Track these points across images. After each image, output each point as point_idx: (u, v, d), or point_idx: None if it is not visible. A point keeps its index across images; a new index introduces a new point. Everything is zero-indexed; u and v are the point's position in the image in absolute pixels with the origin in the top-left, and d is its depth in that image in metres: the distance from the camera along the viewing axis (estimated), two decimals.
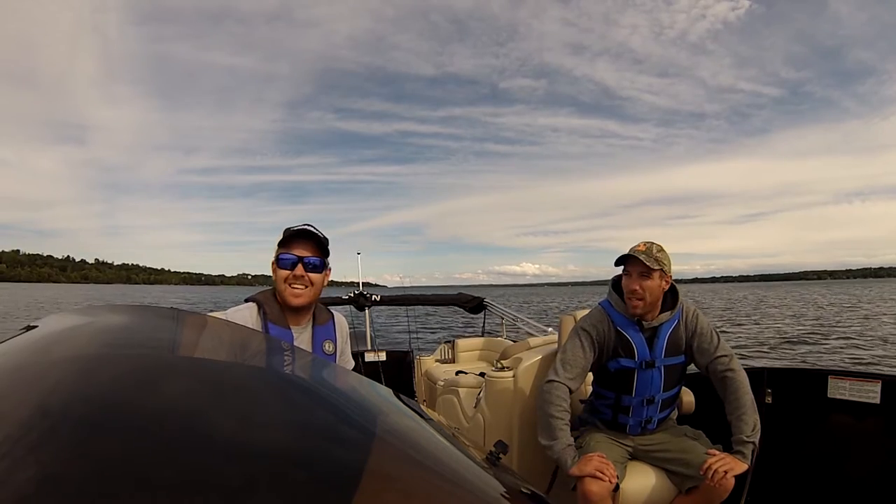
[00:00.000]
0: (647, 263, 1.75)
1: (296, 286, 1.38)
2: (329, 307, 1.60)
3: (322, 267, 1.43)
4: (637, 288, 1.77)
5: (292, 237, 1.40)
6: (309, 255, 1.40)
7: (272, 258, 1.44)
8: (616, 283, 1.94)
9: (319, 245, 1.42)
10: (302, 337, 1.44)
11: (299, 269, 1.38)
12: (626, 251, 1.86)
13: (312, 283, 1.40)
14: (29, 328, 0.71)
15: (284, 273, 1.38)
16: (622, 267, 1.87)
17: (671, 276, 1.82)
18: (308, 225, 1.44)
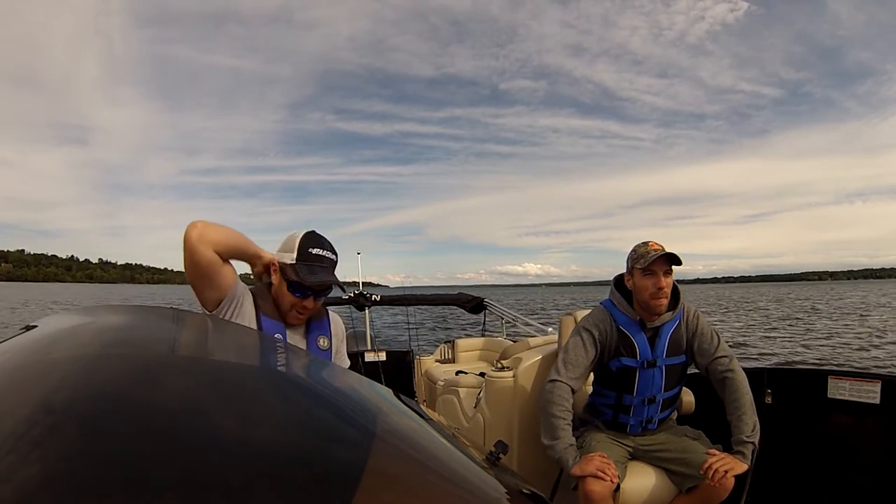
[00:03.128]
0: (676, 258, 1.78)
1: (300, 313, 1.36)
2: (327, 307, 1.59)
3: (325, 295, 1.42)
4: (664, 286, 1.78)
5: (305, 281, 1.32)
6: (322, 290, 1.37)
7: (277, 258, 1.38)
8: (618, 282, 1.94)
9: (333, 282, 1.38)
10: (295, 331, 1.44)
11: (310, 302, 1.35)
12: (628, 251, 1.88)
13: (313, 308, 1.39)
14: (28, 328, 0.71)
15: (291, 299, 1.34)
16: (629, 267, 1.88)
17: None
18: (329, 253, 1.37)
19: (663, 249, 1.78)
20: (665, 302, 1.80)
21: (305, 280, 1.30)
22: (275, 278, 1.38)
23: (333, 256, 1.39)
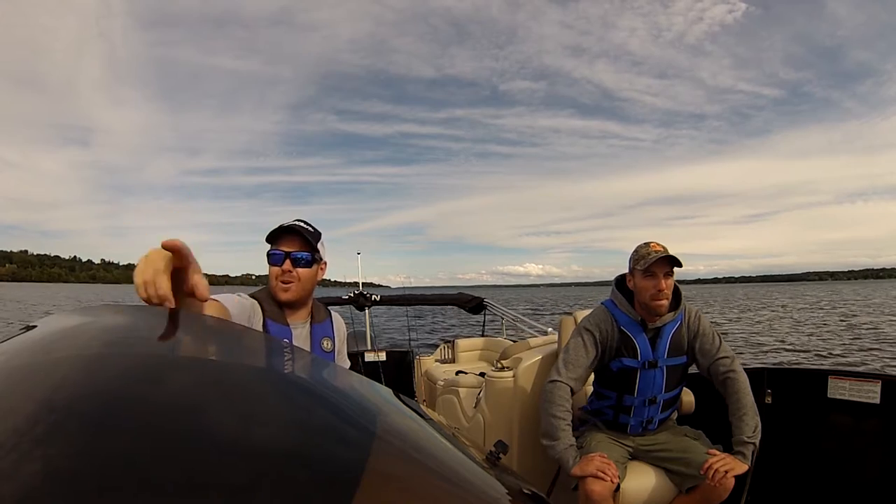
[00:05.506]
0: (676, 260, 1.78)
1: (284, 281, 1.39)
2: (328, 307, 1.60)
3: (311, 262, 1.42)
4: (664, 287, 1.78)
5: (279, 233, 1.41)
6: (295, 249, 1.40)
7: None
8: (620, 282, 1.94)
9: (306, 240, 1.41)
10: (300, 334, 1.44)
11: (287, 265, 1.39)
12: (630, 251, 1.89)
13: (301, 278, 1.40)
14: (28, 328, 0.71)
15: (275, 269, 1.40)
16: (630, 268, 1.87)
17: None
18: (299, 220, 1.44)
19: (665, 251, 1.78)
20: (665, 303, 1.80)
21: (271, 233, 1.39)
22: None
23: (303, 224, 1.44)
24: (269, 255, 1.40)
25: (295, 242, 1.41)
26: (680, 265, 1.80)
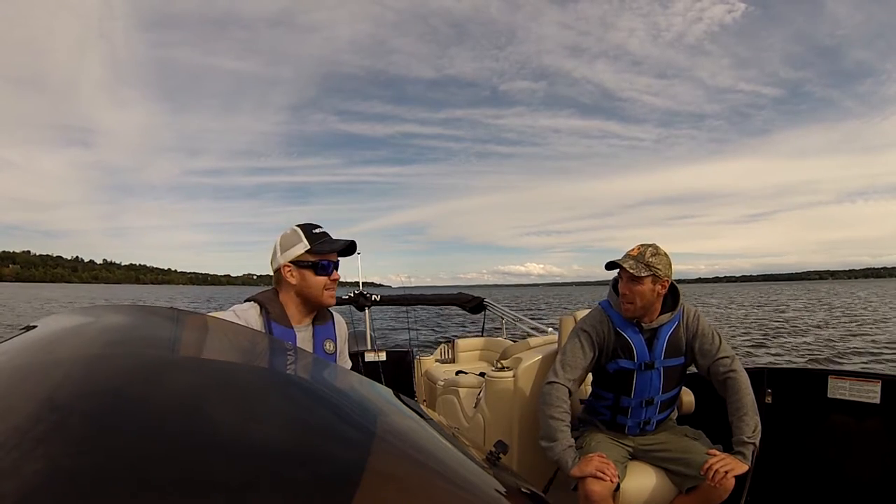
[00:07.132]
0: (632, 271, 1.73)
1: (331, 289, 1.47)
2: (328, 308, 1.60)
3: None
4: (627, 292, 1.77)
5: (330, 249, 1.45)
6: (337, 259, 1.48)
7: (285, 260, 1.40)
8: (616, 283, 1.94)
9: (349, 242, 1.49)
10: (304, 336, 1.45)
11: (335, 275, 1.46)
12: (628, 251, 1.87)
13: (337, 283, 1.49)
14: (28, 328, 0.71)
15: (323, 279, 1.43)
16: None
17: (668, 280, 1.79)
18: (317, 225, 1.48)
19: (640, 255, 1.76)
20: (630, 308, 1.79)
21: (329, 248, 1.41)
22: (294, 278, 1.42)
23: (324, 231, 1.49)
24: (317, 264, 1.42)
25: (335, 253, 1.47)
26: (635, 277, 1.73)
